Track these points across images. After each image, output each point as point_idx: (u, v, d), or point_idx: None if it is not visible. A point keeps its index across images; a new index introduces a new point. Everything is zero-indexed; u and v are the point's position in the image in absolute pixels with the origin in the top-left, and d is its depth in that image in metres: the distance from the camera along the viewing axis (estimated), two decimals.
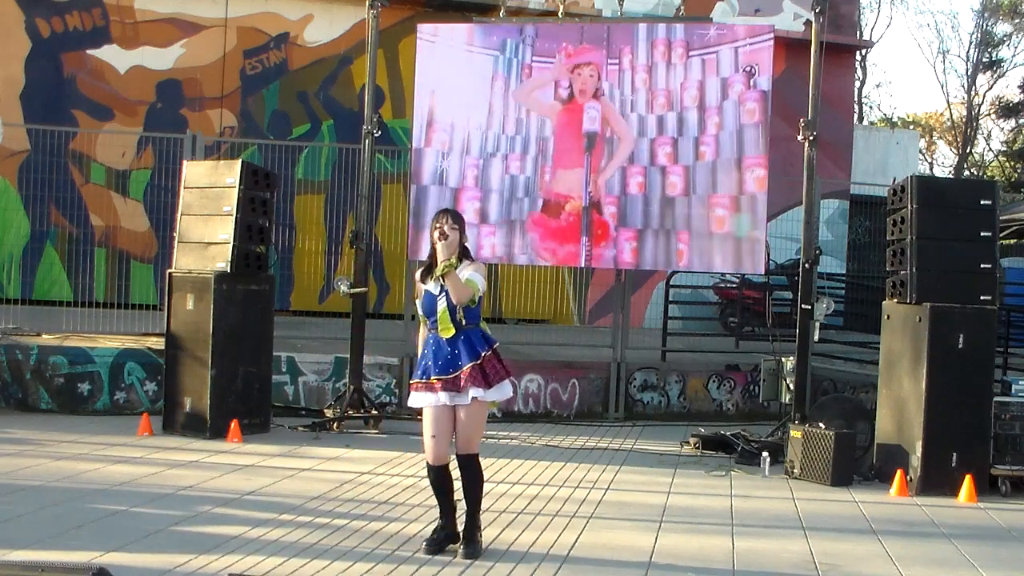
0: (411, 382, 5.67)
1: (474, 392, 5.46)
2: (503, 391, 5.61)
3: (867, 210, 17.40)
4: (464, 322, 5.53)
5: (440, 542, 5.58)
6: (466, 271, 5.51)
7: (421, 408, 5.63)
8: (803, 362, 9.18)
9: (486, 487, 7.15)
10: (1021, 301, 15.57)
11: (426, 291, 5.61)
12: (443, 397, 5.48)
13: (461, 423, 5.53)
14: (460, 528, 5.64)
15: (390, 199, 13.93)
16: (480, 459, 5.71)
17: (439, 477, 5.60)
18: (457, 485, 5.65)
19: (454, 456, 5.64)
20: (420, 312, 5.68)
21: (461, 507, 5.67)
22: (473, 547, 5.54)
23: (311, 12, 15.62)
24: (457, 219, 5.60)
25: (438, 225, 5.52)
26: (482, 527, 5.74)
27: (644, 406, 11.13)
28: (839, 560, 5.84)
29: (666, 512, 6.83)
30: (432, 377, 5.50)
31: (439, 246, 5.47)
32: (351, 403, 9.59)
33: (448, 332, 5.52)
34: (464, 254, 5.60)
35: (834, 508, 7.26)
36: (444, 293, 5.51)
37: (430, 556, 5.45)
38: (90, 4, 14.87)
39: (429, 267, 5.62)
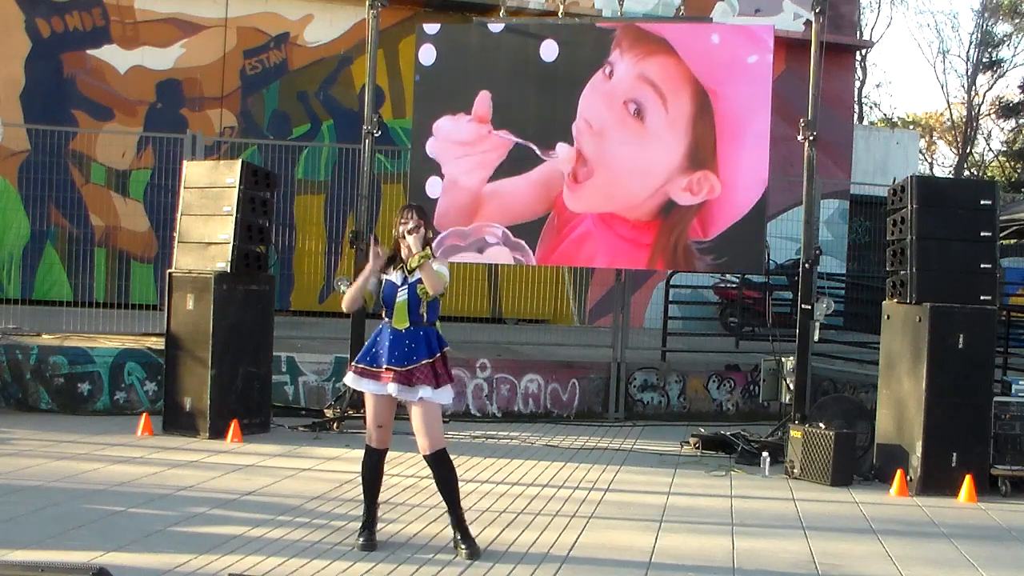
0: (354, 364, 5.68)
1: (423, 392, 5.49)
2: (446, 395, 5.65)
3: (867, 210, 17.41)
4: (426, 317, 5.59)
5: (373, 537, 5.61)
6: (435, 264, 5.58)
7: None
8: (803, 362, 9.18)
9: (487, 487, 7.21)
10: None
11: (388, 281, 5.65)
12: (391, 388, 5.51)
13: (422, 423, 5.52)
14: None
15: (390, 199, 13.93)
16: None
17: (377, 462, 5.67)
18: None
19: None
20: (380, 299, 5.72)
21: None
22: (475, 546, 5.54)
23: (311, 12, 15.63)
24: (422, 213, 5.69)
25: (404, 219, 5.60)
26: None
27: (644, 406, 11.12)
28: (839, 560, 5.84)
29: (666, 512, 6.83)
30: (384, 366, 5.51)
31: (411, 239, 5.52)
32: (351, 403, 9.58)
33: (402, 324, 5.55)
34: (428, 247, 5.66)
35: (834, 508, 7.26)
36: (407, 286, 5.57)
37: (428, 556, 5.44)
38: (90, 4, 14.88)
39: (392, 258, 5.68)
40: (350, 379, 5.69)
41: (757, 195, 9.35)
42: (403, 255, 5.64)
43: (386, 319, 5.63)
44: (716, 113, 9.35)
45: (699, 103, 9.39)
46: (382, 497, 6.79)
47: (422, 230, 5.57)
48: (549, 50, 9.75)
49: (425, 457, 5.57)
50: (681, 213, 9.54)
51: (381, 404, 5.61)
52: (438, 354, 5.59)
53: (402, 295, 5.57)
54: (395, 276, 5.63)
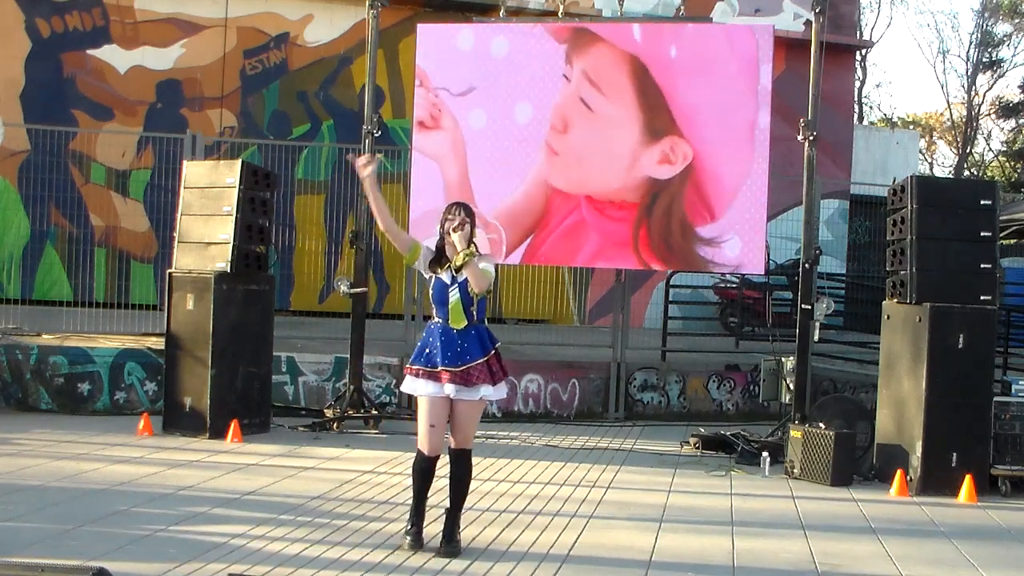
0: (409, 367, 5.62)
1: (484, 391, 5.49)
2: (502, 391, 5.67)
3: (867, 210, 17.41)
4: (476, 315, 5.55)
5: (420, 534, 5.57)
6: (482, 262, 5.51)
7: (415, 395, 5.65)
8: (803, 362, 9.18)
9: (487, 487, 7.22)
10: (1021, 301, 15.56)
11: (437, 280, 5.59)
12: (449, 389, 5.46)
13: (462, 419, 5.53)
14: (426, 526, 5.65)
15: (390, 199, 13.78)
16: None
17: (428, 469, 5.58)
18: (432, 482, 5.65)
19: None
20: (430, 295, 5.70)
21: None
22: (454, 546, 5.51)
23: (311, 12, 15.63)
24: (469, 212, 5.61)
25: (451, 216, 5.53)
26: (461, 528, 5.69)
27: (644, 406, 11.12)
28: (839, 560, 5.84)
29: (666, 512, 6.84)
30: (440, 367, 5.47)
31: (455, 236, 5.45)
32: (351, 403, 9.59)
33: (460, 323, 5.51)
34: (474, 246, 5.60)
35: (834, 508, 7.26)
36: (457, 284, 5.51)
37: (429, 556, 5.44)
38: (90, 4, 14.88)
39: (438, 257, 5.62)
40: (407, 384, 5.60)
41: (748, 163, 9.47)
42: (448, 253, 5.56)
43: (437, 319, 5.57)
44: (657, 80, 9.64)
45: (638, 76, 9.69)
46: (383, 497, 6.83)
47: (467, 227, 5.50)
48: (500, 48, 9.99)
49: (451, 451, 5.58)
50: (661, 187, 9.65)
51: (436, 405, 5.52)
52: (492, 351, 5.55)
53: (454, 295, 5.51)
54: (444, 275, 5.57)
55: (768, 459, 8.34)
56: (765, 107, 9.41)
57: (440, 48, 10.07)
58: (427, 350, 5.55)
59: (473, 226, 5.59)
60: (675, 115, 9.63)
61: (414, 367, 5.57)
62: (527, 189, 9.93)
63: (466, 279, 5.48)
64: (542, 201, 9.91)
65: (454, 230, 5.47)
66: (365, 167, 5.53)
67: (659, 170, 9.67)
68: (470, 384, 5.45)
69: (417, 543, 5.51)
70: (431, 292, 5.62)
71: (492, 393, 5.55)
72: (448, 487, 5.65)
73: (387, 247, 13.82)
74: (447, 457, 5.67)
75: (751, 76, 9.47)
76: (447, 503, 5.68)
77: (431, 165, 10.02)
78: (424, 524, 5.63)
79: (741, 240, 9.54)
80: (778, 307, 12.18)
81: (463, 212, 5.56)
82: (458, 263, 5.46)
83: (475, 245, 5.55)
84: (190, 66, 15.18)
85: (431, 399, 5.51)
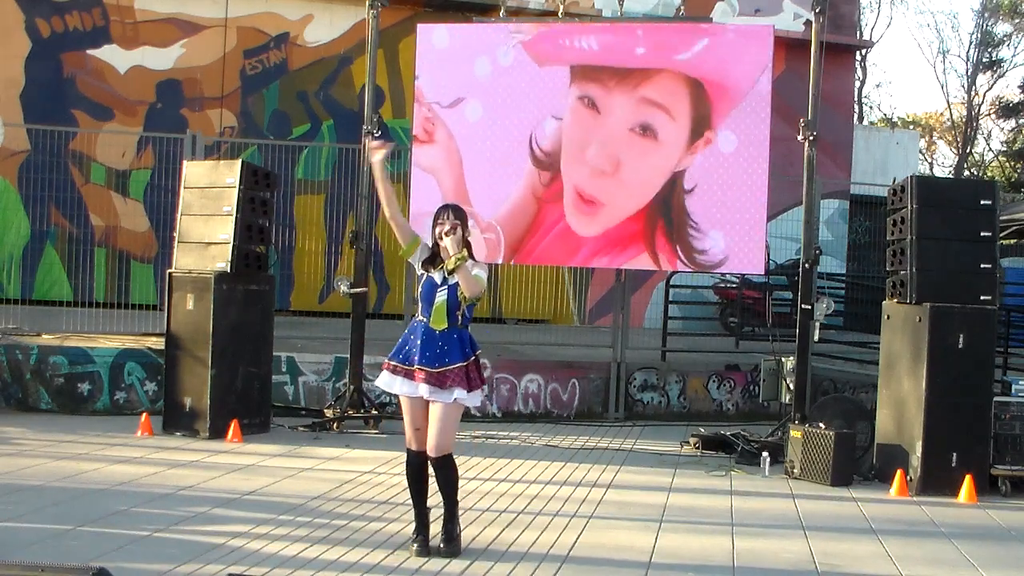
0: (387, 361, 5.60)
1: (458, 394, 5.43)
2: (476, 399, 5.62)
3: (867, 210, 17.43)
4: (462, 319, 5.52)
5: (427, 542, 5.54)
6: (475, 268, 5.50)
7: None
8: (803, 362, 9.18)
9: (487, 487, 7.22)
10: (1021, 301, 15.56)
11: (428, 277, 5.56)
12: (423, 389, 5.43)
13: (439, 423, 5.44)
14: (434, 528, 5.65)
15: None
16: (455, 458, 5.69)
17: (419, 465, 5.56)
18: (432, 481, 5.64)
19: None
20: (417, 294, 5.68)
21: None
22: (454, 546, 5.51)
23: (311, 12, 15.64)
24: (460, 214, 5.58)
25: (441, 221, 5.51)
26: (461, 527, 5.69)
27: (644, 406, 11.12)
28: (839, 560, 5.84)
29: (666, 512, 6.83)
30: (416, 366, 5.44)
31: (447, 241, 5.43)
32: (351, 403, 9.59)
33: (440, 325, 5.47)
34: (467, 249, 5.56)
35: (834, 508, 7.26)
36: (447, 287, 5.49)
37: (427, 557, 5.44)
38: (90, 4, 14.89)
39: (432, 256, 5.60)
40: (384, 379, 5.58)
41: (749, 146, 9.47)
42: (442, 256, 5.53)
43: (421, 316, 5.54)
44: (709, 94, 9.58)
45: (694, 94, 9.64)
46: (383, 497, 6.82)
47: (459, 231, 5.46)
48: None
49: (430, 458, 5.52)
50: (679, 175, 9.67)
51: (416, 406, 5.51)
52: (472, 357, 5.50)
53: (441, 296, 5.48)
54: (436, 275, 5.54)
55: (768, 459, 8.34)
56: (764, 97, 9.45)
57: (439, 49, 10.04)
58: (406, 347, 5.53)
59: (464, 228, 5.54)
60: (713, 116, 9.59)
61: (391, 363, 5.56)
62: (524, 189, 9.91)
63: (457, 282, 5.46)
64: (536, 202, 9.89)
65: (445, 234, 5.45)
66: (375, 151, 5.58)
67: (685, 161, 9.68)
68: (444, 387, 5.41)
69: (424, 551, 5.48)
70: (420, 289, 5.59)
71: (466, 398, 5.47)
72: (440, 492, 5.63)
73: (387, 247, 13.83)
74: None
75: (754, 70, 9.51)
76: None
77: (428, 179, 10.02)
78: (430, 534, 5.61)
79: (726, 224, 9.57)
80: (778, 307, 12.18)
81: (452, 215, 5.52)
82: (450, 267, 5.44)
83: (468, 249, 5.52)
84: (190, 66, 15.19)
85: (410, 400, 5.51)
